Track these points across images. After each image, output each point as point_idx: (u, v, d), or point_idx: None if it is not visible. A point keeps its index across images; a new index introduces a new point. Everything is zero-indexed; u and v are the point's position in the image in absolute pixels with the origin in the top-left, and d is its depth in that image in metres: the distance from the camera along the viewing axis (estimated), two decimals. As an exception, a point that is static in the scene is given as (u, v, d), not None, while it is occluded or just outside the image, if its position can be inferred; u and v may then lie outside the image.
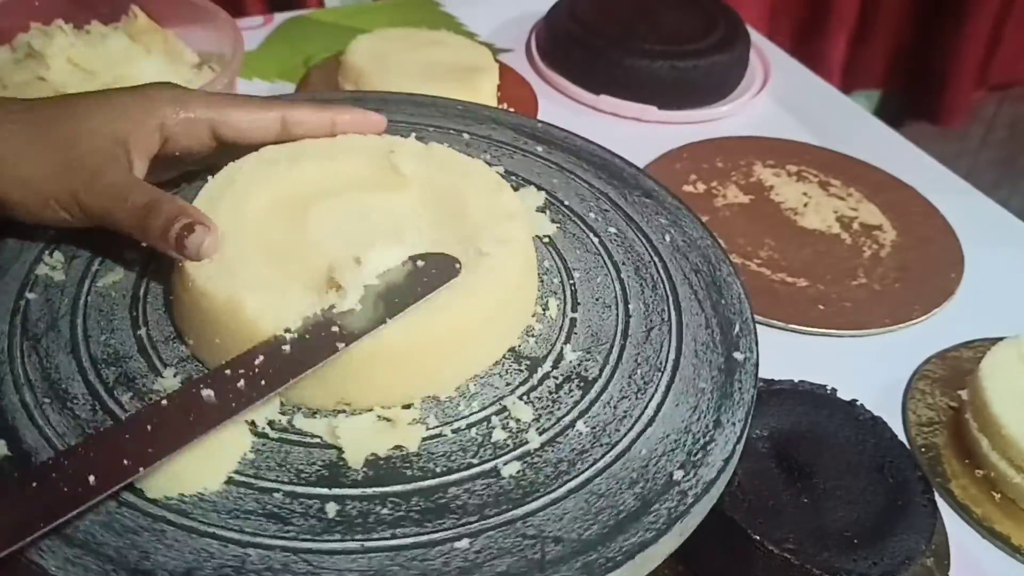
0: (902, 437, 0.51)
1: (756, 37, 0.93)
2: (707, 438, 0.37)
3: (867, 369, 0.58)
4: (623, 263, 0.45)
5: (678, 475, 0.35)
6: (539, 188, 0.49)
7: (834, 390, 0.50)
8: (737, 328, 0.42)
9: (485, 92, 0.74)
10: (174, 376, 0.37)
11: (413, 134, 0.47)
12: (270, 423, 0.36)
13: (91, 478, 0.31)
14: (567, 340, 0.41)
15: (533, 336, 0.41)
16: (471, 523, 0.33)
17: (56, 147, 0.40)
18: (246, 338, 0.36)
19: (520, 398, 0.38)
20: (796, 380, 0.50)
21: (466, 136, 0.52)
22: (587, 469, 0.35)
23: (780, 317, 0.61)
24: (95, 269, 0.42)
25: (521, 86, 0.81)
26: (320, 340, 0.36)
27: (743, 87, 0.87)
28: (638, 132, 0.81)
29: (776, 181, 0.75)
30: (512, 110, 0.74)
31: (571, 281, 0.44)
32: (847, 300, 0.64)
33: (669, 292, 0.44)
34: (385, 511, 0.33)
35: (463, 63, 0.75)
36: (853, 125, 0.86)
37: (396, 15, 0.93)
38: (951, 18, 1.34)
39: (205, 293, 0.37)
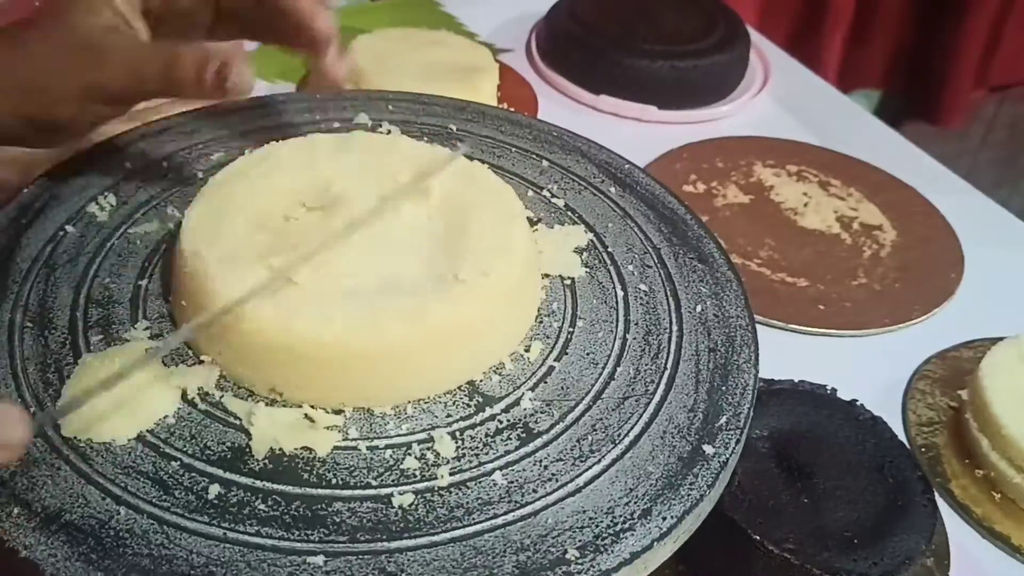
0: (902, 437, 0.51)
1: (756, 37, 0.93)
2: (626, 526, 0.34)
3: (867, 369, 0.58)
4: (636, 323, 0.42)
5: (572, 554, 0.32)
6: (589, 229, 0.47)
7: (834, 390, 0.50)
8: (724, 420, 0.38)
9: (485, 92, 0.74)
10: (145, 329, 0.39)
11: (495, 151, 0.50)
12: (203, 394, 0.36)
13: None
14: (533, 387, 0.39)
15: (500, 375, 0.39)
16: (337, 542, 0.32)
17: (52, 44, 0.40)
18: (204, 304, 0.37)
19: (450, 433, 0.36)
20: (796, 380, 0.50)
21: (545, 163, 0.52)
22: (482, 522, 0.33)
23: (780, 317, 0.61)
24: (137, 217, 0.45)
25: (521, 86, 0.81)
26: None
27: (743, 87, 0.87)
28: (638, 132, 0.81)
29: (776, 181, 0.75)
30: (512, 109, 0.74)
31: (571, 329, 0.42)
32: (847, 300, 0.64)
33: (669, 365, 0.40)
34: (263, 507, 0.33)
35: (463, 63, 0.75)
36: (853, 125, 0.86)
37: (396, 15, 0.93)
38: (950, 17, 1.34)
39: (183, 254, 0.38)
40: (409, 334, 0.36)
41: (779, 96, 0.88)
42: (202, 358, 0.38)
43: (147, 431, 0.35)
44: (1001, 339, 0.55)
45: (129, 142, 0.49)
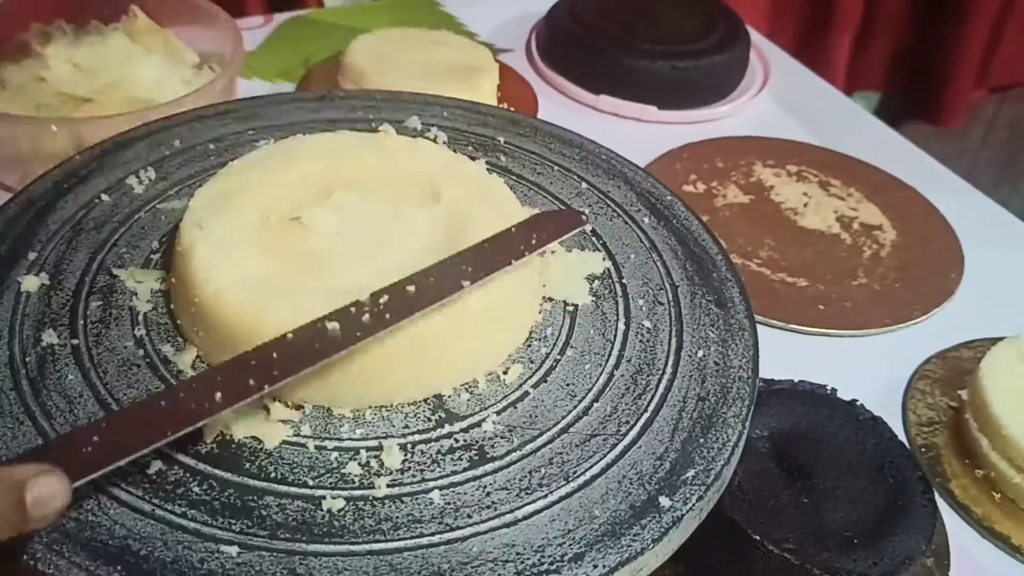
0: (902, 437, 0.51)
1: (756, 37, 0.93)
2: (552, 567, 0.32)
3: (867, 369, 0.58)
4: (629, 360, 0.41)
5: None
6: (609, 258, 0.46)
7: (834, 390, 0.50)
8: (691, 473, 0.36)
9: (485, 92, 0.74)
10: (147, 301, 0.40)
11: (536, 168, 0.51)
12: (179, 372, 0.37)
13: (217, 395, 0.33)
14: (500, 411, 0.38)
15: (471, 393, 0.38)
16: (256, 536, 0.32)
17: None
18: (189, 286, 0.37)
19: (401, 444, 0.36)
20: (796, 380, 0.50)
21: (584, 185, 0.51)
22: (406, 539, 0.33)
23: (780, 317, 0.61)
24: (170, 193, 0.46)
25: (521, 86, 0.81)
26: (446, 280, 0.37)
27: (743, 87, 0.87)
28: (638, 132, 0.81)
29: (776, 181, 0.75)
30: (512, 108, 0.74)
31: (558, 357, 0.41)
32: (847, 300, 0.64)
33: (651, 408, 0.39)
34: (196, 490, 0.33)
35: (463, 63, 0.75)
36: (853, 125, 0.86)
37: (396, 15, 0.93)
38: (951, 18, 1.34)
39: (180, 233, 0.39)
40: (376, 344, 0.36)
41: (779, 96, 0.88)
42: (184, 343, 0.39)
43: (112, 400, 0.36)
44: (1001, 339, 0.55)
45: (183, 122, 0.51)
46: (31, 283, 0.40)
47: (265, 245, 0.39)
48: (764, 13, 1.30)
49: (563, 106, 0.83)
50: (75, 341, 0.38)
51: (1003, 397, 0.51)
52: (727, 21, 0.88)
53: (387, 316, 0.35)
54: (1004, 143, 1.57)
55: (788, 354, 0.54)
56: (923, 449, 0.54)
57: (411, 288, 0.36)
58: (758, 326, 0.43)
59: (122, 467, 0.32)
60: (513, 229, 0.40)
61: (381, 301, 0.35)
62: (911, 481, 0.45)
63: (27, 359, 0.37)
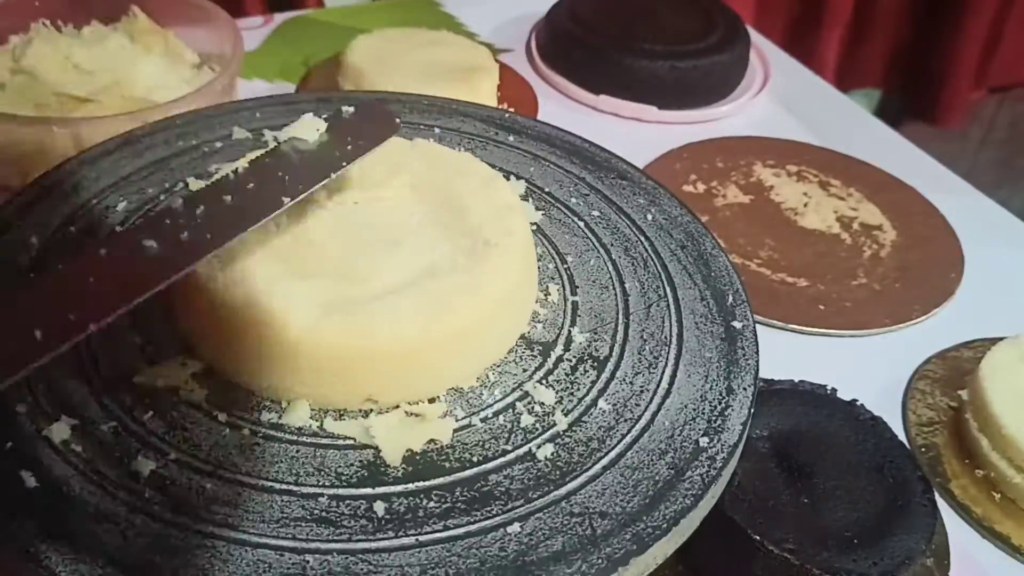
0: (902, 437, 0.51)
1: (756, 37, 0.93)
2: (723, 404, 0.38)
3: (867, 369, 0.58)
4: (612, 244, 0.46)
5: (703, 442, 0.36)
6: (518, 177, 0.49)
7: (834, 390, 0.50)
8: (730, 299, 0.43)
9: (485, 92, 0.74)
10: (199, 389, 0.37)
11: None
12: (300, 429, 0.36)
13: (37, 334, 0.29)
14: (573, 323, 0.42)
15: (540, 322, 0.41)
16: (518, 507, 0.34)
17: None
18: (276, 341, 0.35)
19: (540, 382, 0.39)
20: (796, 380, 0.50)
21: (437, 131, 0.53)
22: (616, 445, 0.36)
23: (780, 317, 0.61)
24: None
25: (521, 86, 0.81)
26: (266, 193, 0.37)
27: (743, 87, 0.87)
28: (638, 132, 0.81)
29: (776, 181, 0.75)
30: (512, 109, 0.74)
31: (565, 266, 0.45)
32: (847, 300, 0.64)
33: (660, 269, 0.45)
34: (432, 504, 0.33)
35: (463, 63, 0.75)
36: (853, 125, 0.86)
37: (396, 15, 0.93)
38: (950, 18, 1.34)
39: (209, 291, 0.36)
40: (477, 307, 0.38)
41: (779, 96, 0.88)
42: (283, 403, 0.37)
43: (272, 481, 0.34)
44: (1001, 339, 0.55)
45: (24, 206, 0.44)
46: (60, 431, 0.34)
47: (297, 265, 0.37)
48: (752, 10, 1.30)
49: (563, 106, 0.83)
50: (172, 456, 0.34)
51: (1003, 397, 0.51)
52: (727, 21, 0.88)
53: (208, 236, 0.33)
54: (1004, 143, 1.57)
55: (788, 354, 0.54)
56: (923, 449, 0.54)
57: (227, 198, 0.36)
58: (758, 327, 0.43)
59: (350, 526, 0.32)
60: (326, 136, 0.39)
61: (198, 212, 0.35)
62: (911, 481, 0.45)
63: (146, 494, 0.33)
